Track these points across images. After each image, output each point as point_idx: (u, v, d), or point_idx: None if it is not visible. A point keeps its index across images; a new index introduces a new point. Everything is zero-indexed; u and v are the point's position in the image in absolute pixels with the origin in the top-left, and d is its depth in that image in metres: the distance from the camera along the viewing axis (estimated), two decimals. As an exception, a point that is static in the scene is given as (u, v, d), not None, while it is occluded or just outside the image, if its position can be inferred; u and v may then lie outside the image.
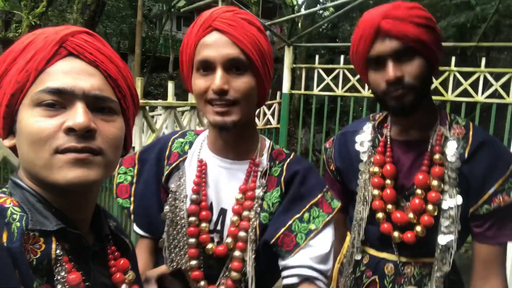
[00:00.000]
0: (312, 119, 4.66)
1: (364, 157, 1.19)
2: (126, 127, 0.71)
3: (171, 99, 2.19)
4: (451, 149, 1.06)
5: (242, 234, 0.93)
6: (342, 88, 4.23)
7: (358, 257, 1.24)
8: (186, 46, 0.92)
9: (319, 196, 0.96)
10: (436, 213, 1.08)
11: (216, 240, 0.97)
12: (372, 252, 1.22)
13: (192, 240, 0.95)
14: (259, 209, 0.94)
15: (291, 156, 1.02)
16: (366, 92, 4.06)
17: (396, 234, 1.13)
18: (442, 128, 1.10)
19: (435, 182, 1.07)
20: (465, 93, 3.86)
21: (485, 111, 4.13)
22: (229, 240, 0.94)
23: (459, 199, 1.06)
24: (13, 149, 0.67)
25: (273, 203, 0.95)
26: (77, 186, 0.61)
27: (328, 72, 4.38)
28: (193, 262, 0.95)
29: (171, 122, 2.21)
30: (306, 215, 0.93)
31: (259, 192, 0.95)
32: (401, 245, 1.15)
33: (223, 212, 0.98)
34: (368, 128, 1.21)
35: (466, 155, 1.06)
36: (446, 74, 3.90)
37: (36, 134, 0.60)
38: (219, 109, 0.88)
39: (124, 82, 0.70)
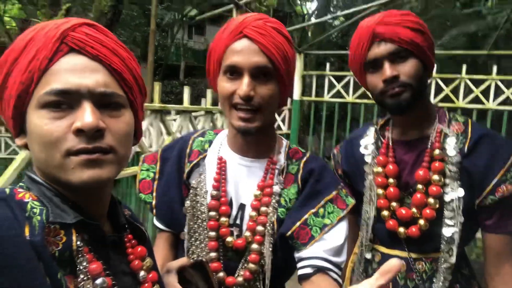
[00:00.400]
0: (323, 126, 4.69)
1: (368, 159, 1.26)
2: (135, 118, 0.71)
3: (187, 103, 2.24)
4: (451, 144, 1.13)
5: (260, 228, 0.97)
6: (353, 95, 4.28)
7: (368, 255, 1.28)
8: (215, 49, 0.95)
9: (334, 192, 1.00)
10: (437, 206, 1.13)
11: (235, 233, 1.01)
12: (383, 250, 1.26)
13: (212, 234, 0.99)
14: (276, 204, 0.98)
15: (307, 155, 1.06)
16: (376, 99, 4.09)
17: (401, 229, 1.18)
18: (441, 126, 1.17)
19: (435, 177, 1.12)
20: (476, 100, 3.87)
21: (497, 118, 4.12)
22: (247, 233, 0.98)
23: (460, 192, 1.11)
24: (25, 147, 0.67)
25: (291, 199, 0.99)
26: (91, 185, 0.62)
27: (339, 79, 4.43)
28: (213, 254, 0.99)
29: (186, 126, 2.27)
30: (321, 210, 0.97)
31: (276, 188, 0.99)
32: (410, 241, 1.19)
33: (242, 207, 1.01)
34: (371, 132, 1.29)
35: (466, 149, 1.12)
36: (457, 81, 3.93)
37: (46, 137, 0.60)
38: (243, 115, 0.91)
39: (130, 74, 0.68)
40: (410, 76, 1.08)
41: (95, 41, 0.64)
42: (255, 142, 1.00)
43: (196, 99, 18.04)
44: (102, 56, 0.64)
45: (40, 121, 0.60)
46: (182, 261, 0.96)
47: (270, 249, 0.96)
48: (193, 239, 1.01)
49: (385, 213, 1.21)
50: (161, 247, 1.09)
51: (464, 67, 3.87)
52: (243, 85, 0.89)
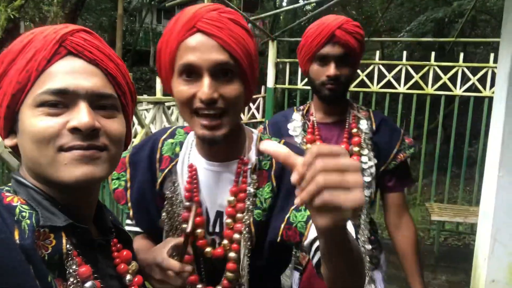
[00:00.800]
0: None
1: (298, 140, 1.48)
2: (126, 122, 0.72)
3: (159, 94, 2.18)
4: (364, 124, 1.46)
5: (236, 236, 0.92)
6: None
7: None
8: (165, 46, 0.83)
9: None
10: None
11: (217, 241, 0.96)
12: None
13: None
14: (251, 206, 0.92)
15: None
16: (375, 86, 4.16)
17: None
18: (355, 111, 1.49)
19: (355, 148, 1.42)
20: (444, 86, 3.98)
21: (463, 104, 4.26)
22: (225, 241, 0.93)
23: (374, 160, 1.43)
24: (14, 148, 0.67)
25: (265, 198, 0.92)
26: (84, 183, 0.61)
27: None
28: (188, 268, 0.90)
29: (160, 117, 2.21)
30: None
31: (250, 189, 0.92)
32: None
33: (219, 214, 0.96)
34: (297, 117, 1.51)
35: (374, 128, 1.47)
36: (426, 68, 4.02)
37: (40, 133, 0.60)
38: (207, 122, 0.81)
39: (123, 79, 0.70)
40: (347, 78, 1.38)
41: (92, 46, 0.66)
42: (223, 146, 0.90)
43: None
44: (99, 61, 0.66)
45: (35, 118, 0.60)
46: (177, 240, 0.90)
47: (248, 254, 0.91)
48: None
49: None
50: (140, 240, 1.05)
51: (433, 54, 3.96)
52: (204, 87, 0.79)
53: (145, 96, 2.20)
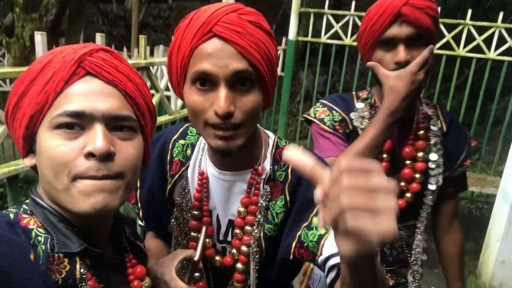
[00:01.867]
0: (318, 67, 4.55)
1: None
2: (144, 143, 0.71)
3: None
4: (436, 125, 1.28)
5: (244, 248, 0.89)
6: (351, 36, 4.08)
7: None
8: (177, 50, 0.76)
9: None
10: (422, 181, 1.27)
11: (228, 249, 0.94)
12: None
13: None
14: (262, 219, 0.87)
15: None
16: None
17: None
18: (425, 108, 1.28)
19: (420, 154, 1.26)
20: (477, 48, 3.73)
21: (495, 68, 4.00)
22: (234, 251, 0.91)
23: (443, 167, 1.28)
24: (33, 168, 0.67)
25: (277, 213, 0.88)
26: (97, 212, 0.61)
27: (337, 19, 4.19)
28: (196, 274, 0.93)
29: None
30: (315, 220, 0.83)
31: (262, 202, 0.87)
32: None
33: (231, 223, 0.93)
34: (362, 107, 1.31)
35: (444, 130, 1.30)
36: (460, 27, 3.74)
37: (57, 160, 0.60)
38: (222, 133, 0.76)
39: (142, 99, 0.69)
40: None
41: (111, 66, 0.65)
42: (238, 156, 0.84)
43: (186, 24, 17.18)
44: (117, 81, 0.65)
45: (51, 142, 0.61)
46: (189, 252, 0.91)
47: (256, 267, 0.89)
48: None
49: None
50: (153, 239, 1.06)
51: (469, 12, 3.66)
52: (220, 99, 0.72)
53: (161, 59, 2.09)
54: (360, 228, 0.42)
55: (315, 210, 0.84)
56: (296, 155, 0.50)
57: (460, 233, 1.43)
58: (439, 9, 3.82)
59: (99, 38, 1.51)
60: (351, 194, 0.42)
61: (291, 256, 0.85)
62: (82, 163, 0.60)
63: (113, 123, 0.64)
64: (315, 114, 1.35)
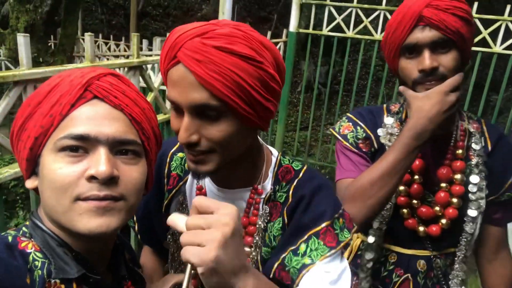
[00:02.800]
0: (320, 57, 4.47)
1: None
2: (148, 167, 0.72)
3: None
4: (478, 143, 1.13)
5: None
6: (354, 29, 3.99)
7: (368, 256, 1.23)
8: (161, 66, 0.75)
9: (324, 224, 0.80)
10: (459, 206, 1.14)
11: None
12: (399, 249, 1.22)
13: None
14: (260, 242, 0.83)
15: (300, 175, 0.86)
16: (378, 35, 3.84)
17: (421, 228, 1.17)
18: (464, 124, 1.14)
19: (458, 176, 1.13)
20: (482, 42, 3.63)
21: (499, 59, 3.90)
22: None
23: (486, 191, 1.15)
24: (35, 190, 0.68)
25: (275, 236, 0.84)
26: (98, 234, 0.61)
27: (339, 10, 4.09)
28: None
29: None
30: (303, 247, 0.79)
31: (260, 224, 0.83)
32: (428, 239, 1.19)
33: None
34: (391, 122, 1.18)
35: (489, 148, 1.15)
36: (498, 23, 3.60)
37: (59, 182, 0.60)
38: (192, 157, 0.74)
39: (148, 124, 0.70)
40: (450, 69, 1.02)
41: (118, 90, 0.66)
42: (236, 173, 0.82)
43: (186, 14, 17.03)
44: (124, 106, 0.65)
45: (54, 165, 0.61)
46: (180, 277, 0.89)
47: None
48: (178, 270, 0.94)
49: (405, 211, 1.18)
50: (149, 255, 1.03)
51: (508, 8, 3.52)
52: (181, 128, 0.70)
53: (153, 57, 2.02)
54: (186, 258, 0.56)
55: (305, 236, 0.80)
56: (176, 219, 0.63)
57: (508, 264, 1.26)
58: (475, 4, 3.67)
59: (88, 38, 1.44)
60: (188, 233, 0.56)
61: (271, 274, 0.81)
62: (84, 184, 0.60)
63: (117, 147, 0.64)
64: (339, 129, 1.25)
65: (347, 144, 1.20)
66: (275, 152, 0.90)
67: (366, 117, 1.22)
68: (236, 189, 0.85)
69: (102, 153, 0.61)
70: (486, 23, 3.59)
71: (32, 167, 0.66)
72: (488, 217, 1.20)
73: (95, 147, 0.62)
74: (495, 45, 3.61)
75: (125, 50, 7.90)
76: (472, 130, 1.15)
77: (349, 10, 4.03)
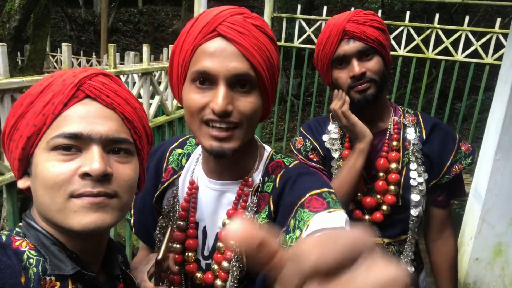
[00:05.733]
0: (292, 70, 4.57)
1: (335, 155, 1.30)
2: (140, 166, 0.71)
3: (146, 64, 2.03)
4: (411, 133, 1.25)
5: (225, 264, 0.83)
6: (323, 41, 4.12)
7: None
8: (180, 49, 0.75)
9: (308, 194, 0.75)
10: (398, 192, 1.25)
11: (212, 266, 0.87)
12: None
13: (176, 267, 0.87)
14: None
15: (291, 165, 0.86)
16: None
17: (366, 217, 1.28)
18: (397, 118, 1.28)
19: (393, 165, 1.24)
20: (445, 51, 3.84)
21: (464, 69, 4.13)
22: (215, 267, 0.85)
23: (425, 175, 1.25)
24: (27, 190, 0.67)
25: (260, 225, 0.80)
26: (92, 230, 0.61)
27: (310, 23, 4.22)
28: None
29: (147, 89, 2.07)
30: (292, 222, 0.74)
31: (247, 214, 0.82)
32: (379, 227, 1.28)
33: (218, 238, 0.87)
34: (334, 128, 1.33)
35: (424, 137, 1.26)
36: (429, 31, 3.85)
37: (52, 179, 0.60)
38: (217, 133, 0.73)
39: (140, 123, 0.70)
40: (376, 72, 1.16)
41: (110, 90, 0.66)
42: (231, 164, 0.82)
43: (156, 29, 16.97)
44: (116, 105, 0.66)
45: (47, 163, 0.61)
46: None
47: (235, 285, 0.82)
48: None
49: (350, 205, 1.30)
50: (141, 252, 1.05)
51: (437, 16, 3.78)
52: (219, 97, 0.70)
53: (130, 67, 2.03)
54: None
55: (293, 213, 0.76)
56: (237, 229, 0.33)
57: (451, 243, 1.35)
58: (407, 13, 3.94)
59: (65, 48, 1.44)
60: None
61: None
62: (77, 181, 0.60)
63: (110, 146, 0.64)
64: (294, 144, 1.37)
65: (302, 157, 1.34)
66: (268, 148, 0.92)
67: (314, 128, 1.35)
68: (227, 181, 0.85)
69: (95, 151, 0.61)
70: (448, 34, 3.80)
71: (24, 167, 0.65)
72: (434, 200, 1.30)
73: (88, 146, 0.62)
74: (457, 53, 3.82)
75: (96, 66, 7.81)
76: (406, 122, 1.27)
77: (318, 23, 4.16)
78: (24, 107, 0.63)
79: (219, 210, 0.87)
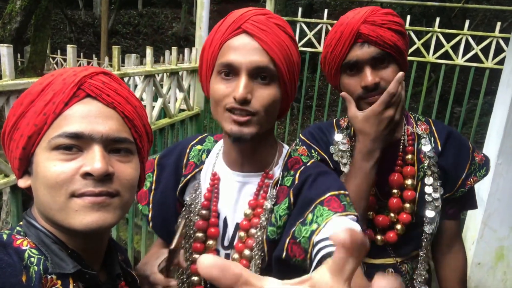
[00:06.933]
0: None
1: (345, 169, 1.16)
2: (140, 165, 0.72)
3: (149, 66, 2.03)
4: (427, 145, 1.13)
5: (247, 252, 0.88)
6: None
7: None
8: (209, 45, 0.85)
9: (329, 194, 0.83)
10: (414, 210, 1.15)
11: (231, 257, 0.92)
12: (368, 260, 1.21)
13: (196, 256, 0.92)
14: (265, 222, 0.87)
15: (309, 163, 0.93)
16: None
17: (378, 237, 1.18)
18: (410, 128, 1.15)
19: (409, 181, 1.12)
20: (445, 55, 3.85)
21: (463, 73, 4.15)
22: (235, 256, 0.90)
23: (441, 190, 1.14)
24: (27, 189, 0.67)
25: (281, 215, 0.87)
26: (94, 229, 0.61)
27: (310, 26, 4.23)
28: (195, 278, 0.94)
29: (150, 91, 2.07)
30: (309, 217, 0.81)
31: (267, 204, 0.88)
32: (389, 246, 1.19)
33: (238, 227, 0.92)
34: (341, 138, 1.18)
35: (440, 148, 1.14)
36: (429, 35, 3.86)
37: (53, 178, 0.60)
38: (238, 118, 0.80)
39: (140, 122, 0.70)
40: (390, 83, 1.01)
41: (110, 89, 0.66)
42: (250, 153, 0.89)
43: (156, 31, 16.99)
44: (116, 104, 0.66)
45: (49, 162, 0.61)
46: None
47: (257, 273, 0.82)
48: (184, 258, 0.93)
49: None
50: (155, 246, 1.08)
51: (437, 20, 3.79)
52: (240, 87, 0.78)
53: (133, 69, 2.04)
54: None
55: (311, 207, 0.83)
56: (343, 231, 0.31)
57: (461, 257, 1.26)
58: (408, 17, 3.95)
59: (70, 49, 1.44)
60: None
61: (284, 253, 0.83)
62: (79, 181, 0.60)
63: (111, 145, 0.64)
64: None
65: None
66: (286, 146, 0.99)
67: (318, 137, 1.21)
68: (248, 173, 0.92)
69: (96, 150, 0.61)
70: (447, 38, 3.82)
71: (25, 166, 0.65)
72: (444, 213, 1.19)
73: (90, 145, 0.62)
74: (457, 57, 3.84)
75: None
76: (420, 132, 1.15)
77: (319, 26, 4.17)
78: (24, 106, 0.63)
79: (240, 201, 0.92)
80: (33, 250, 0.61)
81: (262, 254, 0.87)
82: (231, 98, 0.80)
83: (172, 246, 0.85)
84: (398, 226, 1.15)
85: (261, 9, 0.85)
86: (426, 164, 1.12)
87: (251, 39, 0.79)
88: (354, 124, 1.05)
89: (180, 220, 0.96)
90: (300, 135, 1.26)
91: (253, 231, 0.88)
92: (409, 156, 1.13)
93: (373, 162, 1.03)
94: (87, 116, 0.62)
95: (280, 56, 0.80)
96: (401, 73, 1.01)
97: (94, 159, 0.60)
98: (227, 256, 0.93)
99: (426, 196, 1.13)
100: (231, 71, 0.81)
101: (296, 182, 0.89)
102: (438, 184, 1.13)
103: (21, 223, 0.67)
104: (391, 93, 0.99)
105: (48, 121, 0.61)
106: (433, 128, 1.18)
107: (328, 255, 0.72)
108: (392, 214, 1.15)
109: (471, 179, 1.16)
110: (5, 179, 1.26)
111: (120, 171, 0.64)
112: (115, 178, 0.63)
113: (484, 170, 1.18)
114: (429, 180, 1.12)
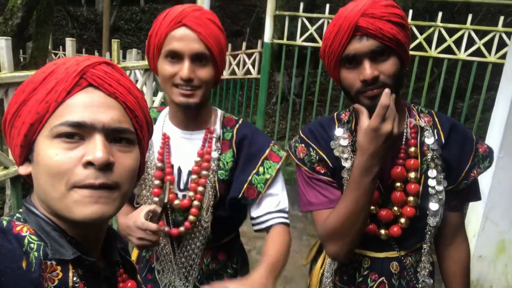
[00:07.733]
0: (294, 69, 4.57)
1: (346, 164, 1.15)
2: (140, 155, 0.73)
3: None
4: (431, 138, 1.12)
5: (200, 188, 1.16)
6: (326, 39, 4.12)
7: (335, 266, 1.24)
8: (155, 35, 1.07)
9: (267, 150, 1.19)
10: (416, 204, 1.14)
11: (188, 194, 1.18)
12: (372, 254, 1.21)
13: (156, 199, 1.17)
14: (215, 167, 1.16)
15: (240, 122, 1.24)
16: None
17: (382, 231, 1.17)
18: (413, 120, 1.14)
19: (412, 174, 1.12)
20: (447, 49, 3.84)
21: (466, 68, 4.13)
22: (191, 193, 1.16)
23: (445, 183, 1.13)
24: (27, 176, 0.68)
25: (227, 162, 1.18)
26: (93, 221, 0.62)
27: (312, 21, 4.22)
28: (163, 228, 1.17)
29: (150, 85, 2.07)
30: (261, 169, 1.17)
31: (215, 154, 1.16)
32: (393, 240, 1.18)
33: (191, 173, 1.18)
34: (342, 133, 1.17)
35: (443, 140, 1.13)
36: (431, 29, 3.84)
37: (55, 168, 0.60)
38: (184, 91, 1.06)
39: (141, 112, 0.72)
40: (390, 76, 1.01)
41: (113, 79, 0.67)
42: (194, 116, 1.16)
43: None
44: (118, 94, 0.67)
45: (50, 151, 0.61)
46: (151, 207, 1.10)
47: (212, 202, 1.16)
48: (144, 204, 1.19)
49: None
50: (125, 207, 1.21)
51: (440, 15, 3.77)
52: (185, 69, 1.04)
53: (135, 63, 2.03)
54: None
55: (260, 161, 1.18)
56: None
57: (465, 249, 1.25)
58: (410, 12, 3.93)
59: (69, 43, 1.44)
60: None
61: (240, 194, 1.16)
62: (80, 171, 0.61)
63: (112, 135, 0.65)
64: (295, 151, 1.22)
65: (306, 168, 1.19)
66: (219, 110, 1.25)
67: (317, 134, 1.20)
68: (194, 130, 1.18)
69: (98, 139, 0.62)
70: (450, 32, 3.80)
71: (26, 153, 0.66)
72: (447, 205, 1.18)
73: (91, 134, 0.63)
74: (460, 52, 3.82)
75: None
76: (423, 125, 1.14)
77: (321, 21, 4.16)
78: (26, 94, 0.63)
79: (190, 152, 1.18)
80: (33, 237, 0.61)
81: (215, 191, 1.17)
82: (178, 77, 1.05)
83: (166, 201, 1.10)
84: (402, 220, 1.14)
85: (196, 5, 1.09)
86: (429, 157, 1.12)
87: (190, 31, 1.03)
88: (358, 136, 1.04)
89: (166, 181, 1.17)
90: (300, 132, 1.25)
91: (204, 172, 1.15)
92: (412, 149, 1.12)
93: (372, 177, 1.02)
94: (89, 106, 0.63)
95: (213, 44, 1.05)
96: (387, 90, 0.99)
97: (95, 148, 0.61)
98: (184, 197, 1.18)
99: (429, 189, 1.12)
100: (175, 56, 1.04)
101: (235, 137, 1.20)
102: (442, 176, 1.12)
103: (20, 210, 0.68)
104: (384, 105, 0.97)
105: (50, 109, 0.62)
106: (436, 120, 1.16)
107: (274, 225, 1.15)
108: (395, 208, 1.14)
109: (475, 171, 1.15)
110: (4, 171, 1.27)
111: (120, 161, 0.65)
112: (115, 168, 0.64)
113: (488, 161, 1.17)
114: (432, 173, 1.11)
